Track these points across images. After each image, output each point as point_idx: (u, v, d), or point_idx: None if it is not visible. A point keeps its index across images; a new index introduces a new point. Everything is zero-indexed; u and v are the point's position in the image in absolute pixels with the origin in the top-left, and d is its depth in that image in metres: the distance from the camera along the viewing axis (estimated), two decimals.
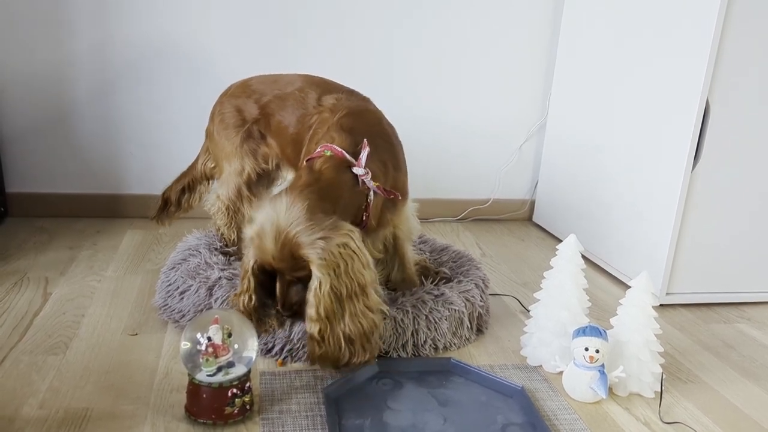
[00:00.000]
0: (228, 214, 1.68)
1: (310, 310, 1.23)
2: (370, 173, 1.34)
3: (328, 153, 1.33)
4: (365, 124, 1.43)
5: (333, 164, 1.32)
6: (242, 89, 1.66)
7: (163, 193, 1.81)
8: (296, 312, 1.33)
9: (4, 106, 2.08)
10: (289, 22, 2.17)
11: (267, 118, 1.60)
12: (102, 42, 2.08)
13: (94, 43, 2.08)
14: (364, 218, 1.37)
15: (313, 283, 1.23)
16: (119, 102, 2.15)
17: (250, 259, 1.32)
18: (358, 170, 1.33)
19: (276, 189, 1.75)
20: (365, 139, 1.35)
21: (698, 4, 1.62)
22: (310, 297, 1.23)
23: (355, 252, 1.24)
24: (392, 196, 1.41)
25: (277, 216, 1.23)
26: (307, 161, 1.34)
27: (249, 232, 1.30)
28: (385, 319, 1.32)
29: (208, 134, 1.71)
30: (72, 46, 2.07)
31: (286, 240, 1.22)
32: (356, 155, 1.34)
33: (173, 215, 1.81)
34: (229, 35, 2.15)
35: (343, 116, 1.42)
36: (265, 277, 1.34)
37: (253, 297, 1.34)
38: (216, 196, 1.70)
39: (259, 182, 1.71)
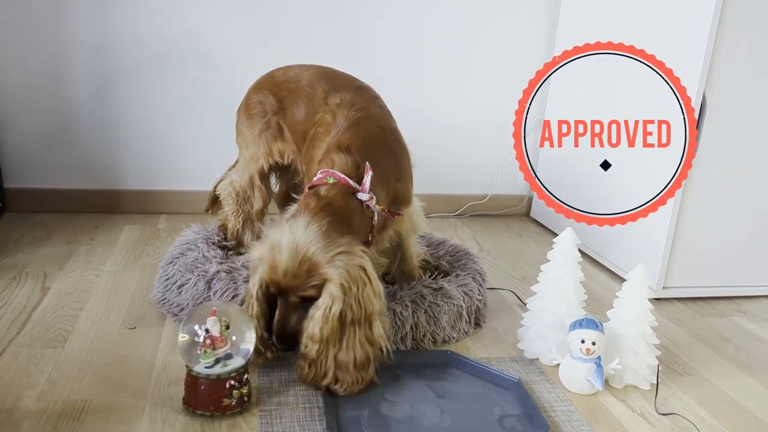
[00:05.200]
0: (237, 201, 1.70)
1: (313, 329, 1.20)
2: (374, 198, 1.33)
3: (332, 180, 1.31)
4: (367, 135, 1.40)
5: (339, 191, 1.30)
6: (266, 81, 1.67)
7: (215, 187, 1.86)
8: (292, 346, 1.28)
9: (3, 101, 2.08)
10: (289, 17, 2.17)
11: (284, 112, 1.61)
12: (100, 38, 2.08)
13: (93, 39, 2.08)
14: (369, 238, 1.36)
15: (324, 302, 1.19)
16: (117, 98, 2.15)
17: (254, 284, 1.28)
18: (363, 196, 1.32)
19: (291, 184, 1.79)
20: (367, 163, 1.33)
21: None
22: (317, 315, 1.19)
23: (369, 278, 1.21)
24: (396, 216, 1.41)
25: (294, 234, 1.21)
26: (309, 188, 1.33)
27: (258, 251, 1.27)
28: (381, 352, 1.26)
29: (236, 125, 1.73)
30: (70, 42, 2.07)
31: (305, 257, 1.19)
32: (359, 178, 1.33)
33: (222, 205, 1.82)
34: (228, 31, 2.15)
35: (343, 130, 1.39)
36: (267, 305, 1.29)
37: (258, 322, 1.27)
38: (229, 182, 1.72)
39: (273, 176, 1.73)
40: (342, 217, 1.27)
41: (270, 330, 1.29)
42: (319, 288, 1.21)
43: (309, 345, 1.20)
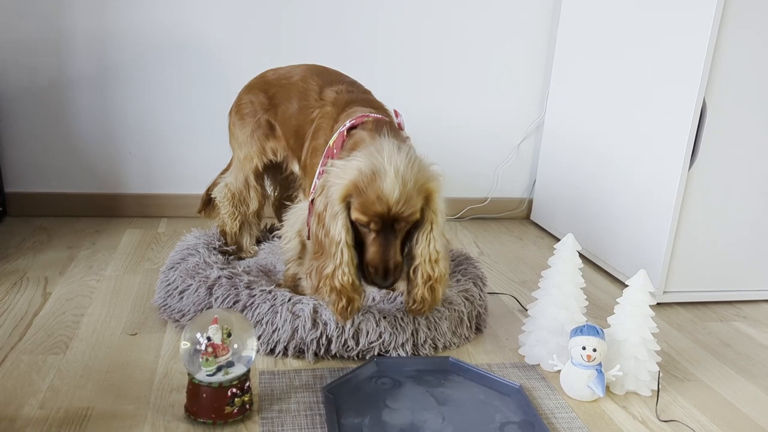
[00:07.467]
0: (233, 202, 1.71)
1: (434, 248, 1.19)
2: (410, 138, 1.35)
3: (371, 118, 1.32)
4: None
5: (386, 123, 1.32)
6: (257, 82, 1.70)
7: (207, 190, 1.87)
8: (394, 281, 1.23)
9: (3, 105, 2.08)
10: (291, 18, 2.17)
11: (275, 108, 1.63)
12: (101, 41, 2.08)
13: (93, 42, 2.08)
14: None
15: (432, 218, 1.20)
16: (118, 101, 2.15)
17: (340, 228, 1.19)
18: (402, 134, 1.36)
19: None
20: (395, 109, 1.38)
21: (695, 2, 1.63)
22: (434, 233, 1.19)
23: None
24: None
25: (389, 157, 1.15)
26: (350, 130, 1.31)
27: (340, 185, 1.17)
28: None
29: (228, 127, 1.75)
30: (70, 45, 2.07)
31: (415, 177, 1.16)
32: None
33: (217, 209, 1.82)
34: (230, 32, 2.15)
35: (351, 102, 1.43)
36: (351, 247, 1.22)
37: (351, 269, 1.20)
38: (224, 184, 1.74)
39: (267, 175, 1.75)
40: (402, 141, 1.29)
41: (363, 273, 1.24)
42: (421, 209, 1.21)
43: (434, 267, 1.21)
